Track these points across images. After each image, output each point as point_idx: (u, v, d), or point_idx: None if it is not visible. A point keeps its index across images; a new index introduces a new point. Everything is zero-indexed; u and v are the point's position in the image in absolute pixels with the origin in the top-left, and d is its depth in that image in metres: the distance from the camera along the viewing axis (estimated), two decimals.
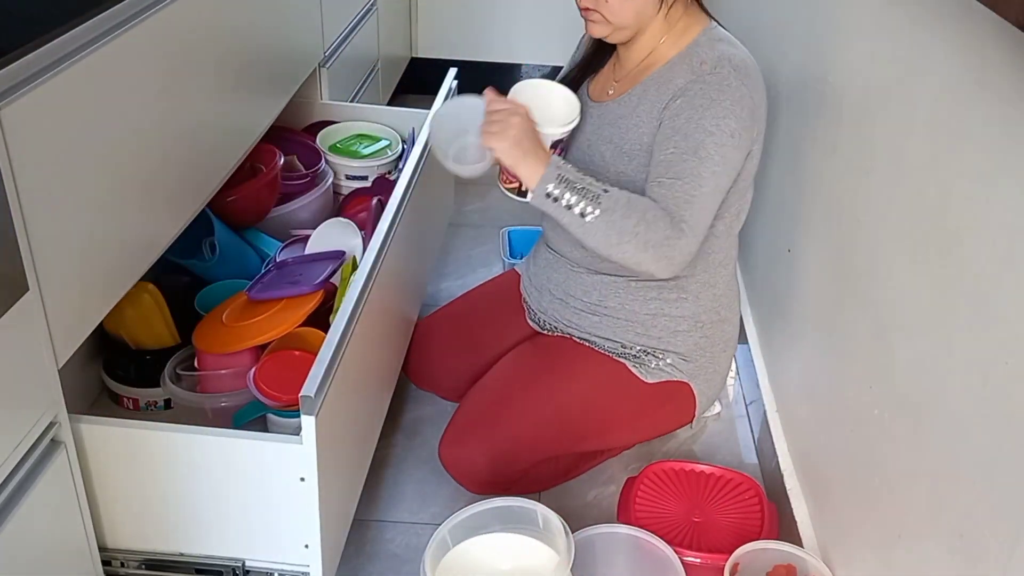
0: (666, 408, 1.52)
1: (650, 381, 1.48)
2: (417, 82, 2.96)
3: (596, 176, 1.34)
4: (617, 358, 1.49)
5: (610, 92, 1.46)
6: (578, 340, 1.52)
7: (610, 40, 1.42)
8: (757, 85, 1.35)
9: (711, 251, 1.45)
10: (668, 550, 1.32)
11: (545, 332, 1.59)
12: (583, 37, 1.56)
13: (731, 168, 1.34)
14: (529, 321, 1.62)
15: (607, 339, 1.50)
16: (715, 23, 1.42)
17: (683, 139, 1.31)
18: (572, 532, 1.24)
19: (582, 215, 1.29)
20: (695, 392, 1.51)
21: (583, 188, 1.29)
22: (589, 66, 1.52)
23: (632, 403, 1.49)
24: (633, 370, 1.48)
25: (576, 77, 1.52)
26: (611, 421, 1.51)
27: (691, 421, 1.56)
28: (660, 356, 1.48)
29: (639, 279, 1.45)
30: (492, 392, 1.51)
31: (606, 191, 1.30)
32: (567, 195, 1.29)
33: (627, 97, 1.42)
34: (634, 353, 1.49)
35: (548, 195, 1.30)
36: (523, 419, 1.47)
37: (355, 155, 1.92)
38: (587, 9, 1.37)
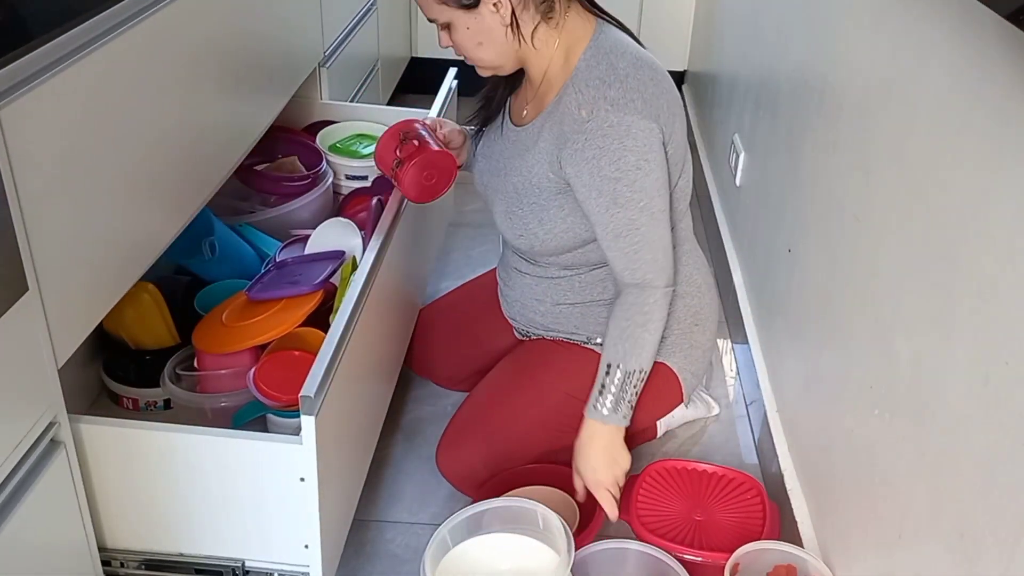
0: (650, 388, 1.52)
1: None
2: (417, 82, 2.96)
3: (510, 206, 1.43)
4: (585, 346, 1.51)
5: (524, 114, 1.46)
6: (551, 340, 1.56)
7: (502, 74, 1.42)
8: (645, 96, 1.31)
9: None
10: (678, 567, 1.31)
11: (525, 339, 1.63)
12: None
13: (656, 191, 1.33)
14: (513, 329, 1.65)
15: (573, 333, 1.53)
16: (603, 25, 1.38)
17: (598, 195, 1.32)
18: (580, 547, 1.25)
19: (640, 378, 1.40)
20: (675, 369, 1.52)
21: (617, 386, 1.39)
22: (492, 98, 1.53)
23: None
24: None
25: (486, 116, 1.54)
26: None
27: (682, 401, 1.57)
28: None
29: (583, 273, 1.49)
30: (484, 398, 1.55)
31: (614, 364, 1.38)
32: (625, 397, 1.39)
33: (531, 129, 1.42)
34: (600, 342, 1.51)
35: (627, 417, 1.41)
36: (515, 421, 1.50)
37: (355, 155, 1.92)
38: (468, 60, 1.39)
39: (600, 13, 1.42)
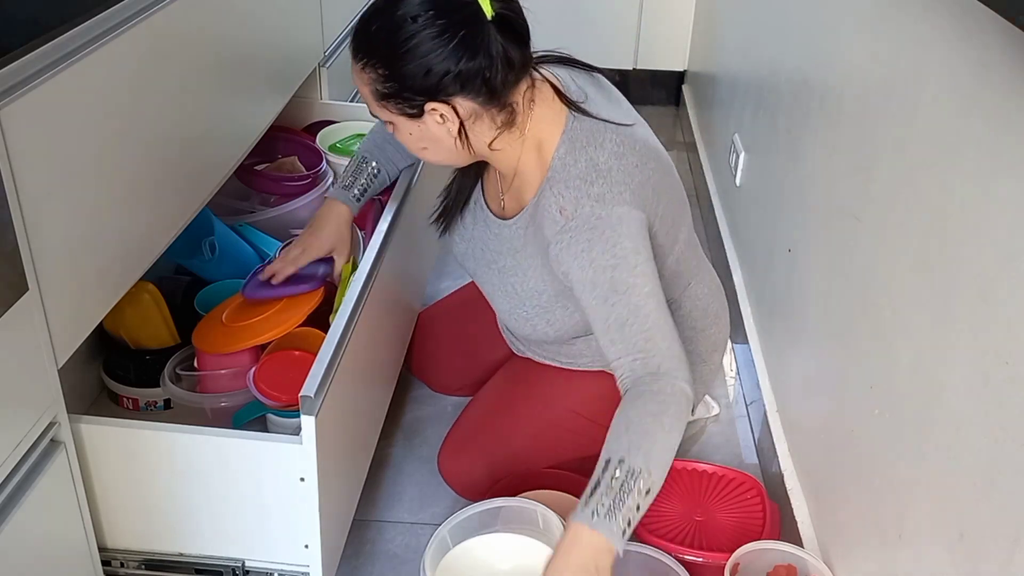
0: None
1: None
2: None
3: (514, 306, 1.34)
4: (604, 369, 1.47)
5: (502, 206, 1.37)
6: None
7: (457, 166, 1.34)
8: (632, 185, 1.21)
9: (666, 286, 1.35)
10: (679, 568, 1.31)
11: (523, 356, 1.59)
12: None
13: (653, 276, 1.20)
14: (509, 343, 1.62)
15: (578, 359, 1.48)
16: (572, 117, 1.25)
17: (594, 287, 1.19)
18: None
19: (646, 492, 1.09)
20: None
21: (624, 492, 1.08)
22: (462, 190, 1.42)
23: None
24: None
25: (452, 212, 1.43)
26: (602, 426, 1.51)
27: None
28: None
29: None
30: (488, 406, 1.53)
31: (621, 459, 1.09)
32: (629, 510, 1.08)
33: (515, 227, 1.33)
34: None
35: (624, 534, 1.08)
36: (519, 432, 1.49)
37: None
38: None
39: (563, 99, 1.27)
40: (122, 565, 1.20)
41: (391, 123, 1.23)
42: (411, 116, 1.19)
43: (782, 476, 1.48)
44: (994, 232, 0.86)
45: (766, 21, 1.97)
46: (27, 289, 0.91)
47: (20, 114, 0.88)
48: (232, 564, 1.20)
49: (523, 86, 1.22)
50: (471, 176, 1.42)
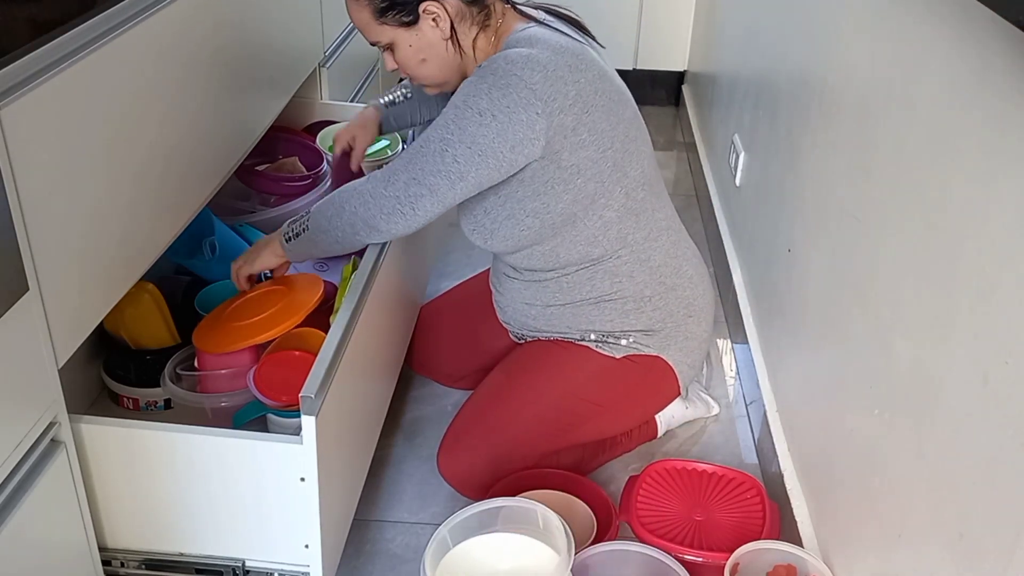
0: (647, 382, 1.52)
1: (619, 356, 1.49)
2: None
3: (466, 202, 1.42)
4: (580, 343, 1.51)
5: None
6: (545, 339, 1.55)
7: (447, 90, 1.41)
8: (547, 72, 1.26)
9: (625, 232, 1.43)
10: (679, 568, 1.31)
11: (521, 341, 1.63)
12: None
13: (473, 146, 1.26)
14: (508, 331, 1.65)
15: (566, 332, 1.53)
16: (529, 25, 1.36)
17: (441, 117, 1.29)
18: (580, 549, 1.25)
19: (306, 223, 1.38)
20: (671, 363, 1.52)
21: (294, 222, 1.40)
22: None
23: (611, 384, 1.51)
24: (600, 351, 1.50)
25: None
26: (596, 406, 1.52)
27: (679, 393, 1.57)
28: (619, 337, 1.50)
29: (569, 274, 1.47)
30: (482, 402, 1.54)
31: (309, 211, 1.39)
32: (294, 233, 1.40)
33: None
34: (595, 338, 1.50)
35: (289, 241, 1.41)
36: (513, 422, 1.49)
37: None
38: (407, 78, 1.41)
39: (533, 15, 1.39)
40: (122, 565, 1.20)
41: (390, 46, 1.34)
42: (408, 25, 1.30)
43: (782, 476, 1.48)
44: (994, 232, 0.86)
45: (766, 21, 1.97)
46: (27, 289, 0.91)
47: (20, 114, 0.88)
48: (232, 564, 1.20)
49: None
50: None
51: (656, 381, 1.53)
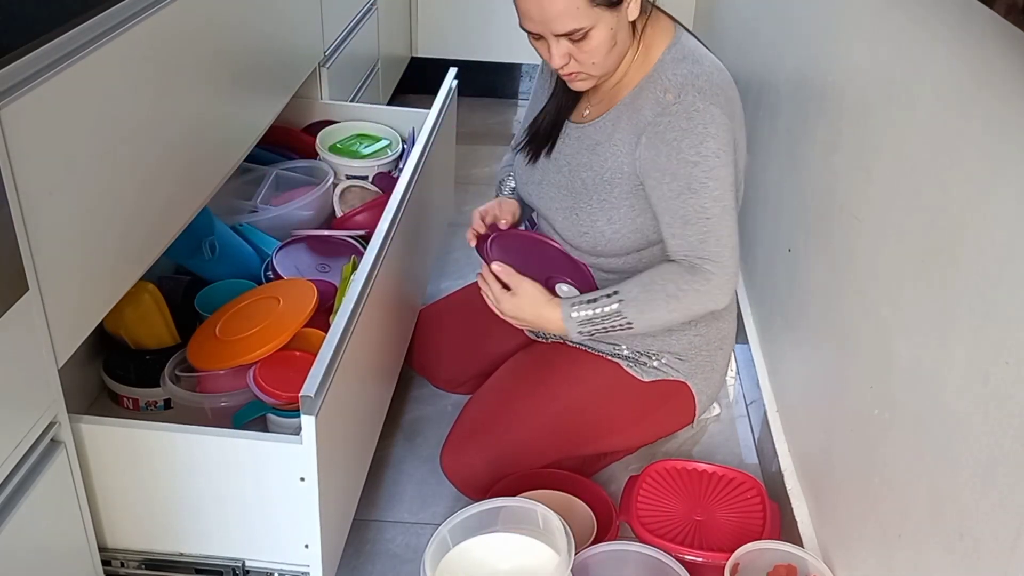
0: (665, 408, 1.52)
1: (646, 380, 1.48)
2: (417, 82, 2.96)
3: (576, 202, 1.40)
4: (611, 358, 1.49)
5: (586, 113, 1.43)
6: (572, 345, 1.53)
7: (601, 83, 1.38)
8: (727, 96, 1.32)
9: None
10: (679, 568, 1.31)
11: (540, 340, 1.60)
12: (543, 67, 1.52)
13: (729, 185, 1.31)
14: (525, 330, 1.62)
15: (600, 342, 1.50)
16: (681, 30, 1.38)
17: (672, 179, 1.30)
18: (580, 549, 1.25)
19: (623, 328, 1.36)
20: (693, 391, 1.51)
21: (602, 313, 1.35)
22: (563, 106, 1.46)
23: (630, 404, 1.49)
24: (629, 370, 1.48)
25: (554, 121, 1.47)
26: (610, 423, 1.51)
27: (692, 421, 1.56)
28: (654, 356, 1.48)
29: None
30: (491, 401, 1.52)
31: (619, 297, 1.35)
32: (594, 328, 1.37)
33: (602, 122, 1.39)
34: (628, 355, 1.49)
35: (581, 334, 1.38)
36: (522, 426, 1.47)
37: (355, 155, 1.92)
38: (571, 73, 1.32)
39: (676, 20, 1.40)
40: (122, 565, 1.20)
41: (586, 33, 1.25)
42: (615, 5, 1.26)
43: (782, 476, 1.48)
44: (994, 232, 0.86)
45: (766, 21, 1.97)
46: (27, 289, 0.91)
47: (20, 114, 0.88)
48: (232, 564, 1.20)
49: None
50: (562, 104, 1.46)
51: (675, 408, 1.52)
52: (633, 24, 1.31)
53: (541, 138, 1.47)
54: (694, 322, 1.47)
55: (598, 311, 1.35)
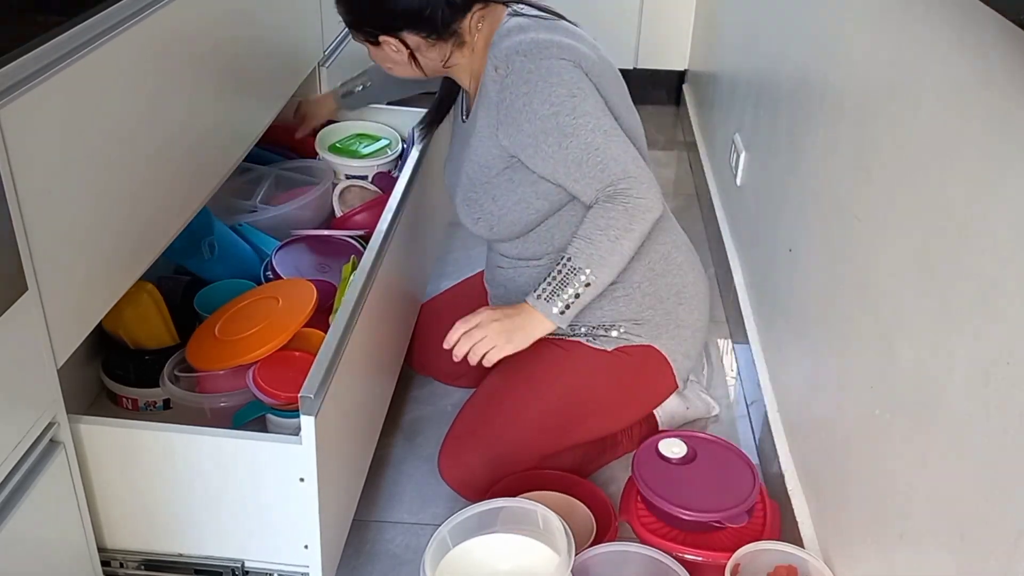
0: (643, 377, 1.52)
1: (611, 349, 1.49)
2: None
3: (467, 193, 1.48)
4: (571, 338, 1.51)
5: (466, 114, 1.53)
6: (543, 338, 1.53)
7: (429, 78, 1.49)
8: (559, 45, 1.35)
9: None
10: (679, 568, 1.31)
11: None
12: None
13: (600, 111, 1.35)
14: None
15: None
16: (511, 10, 1.42)
17: (544, 136, 1.34)
18: (581, 550, 1.25)
19: (590, 285, 1.35)
20: (664, 352, 1.51)
21: (562, 280, 1.35)
22: (445, 100, 1.62)
23: (605, 377, 1.50)
24: (590, 344, 1.50)
25: (435, 116, 1.66)
26: (594, 404, 1.51)
27: (676, 386, 1.56)
28: (609, 328, 1.50)
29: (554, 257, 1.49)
30: (480, 405, 1.54)
31: (566, 258, 1.35)
32: (568, 299, 1.35)
33: (471, 119, 1.48)
34: (584, 332, 1.51)
35: (563, 313, 1.36)
36: (512, 424, 1.49)
37: (355, 155, 1.92)
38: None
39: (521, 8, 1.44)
40: (121, 565, 1.20)
41: (369, 49, 1.45)
42: (373, 44, 1.42)
43: (782, 476, 1.48)
44: (995, 231, 0.86)
45: (767, 20, 1.97)
46: (26, 289, 0.91)
47: (20, 114, 0.88)
48: (232, 564, 1.20)
49: (471, 15, 1.39)
50: (447, 92, 1.60)
51: (652, 373, 1.52)
52: (415, 62, 1.41)
53: (431, 120, 1.68)
54: (636, 283, 1.49)
55: (558, 283, 1.35)
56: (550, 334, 1.50)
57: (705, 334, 1.61)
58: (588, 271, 1.34)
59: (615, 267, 1.36)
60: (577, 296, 1.35)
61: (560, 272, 1.35)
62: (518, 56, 1.34)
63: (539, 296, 1.36)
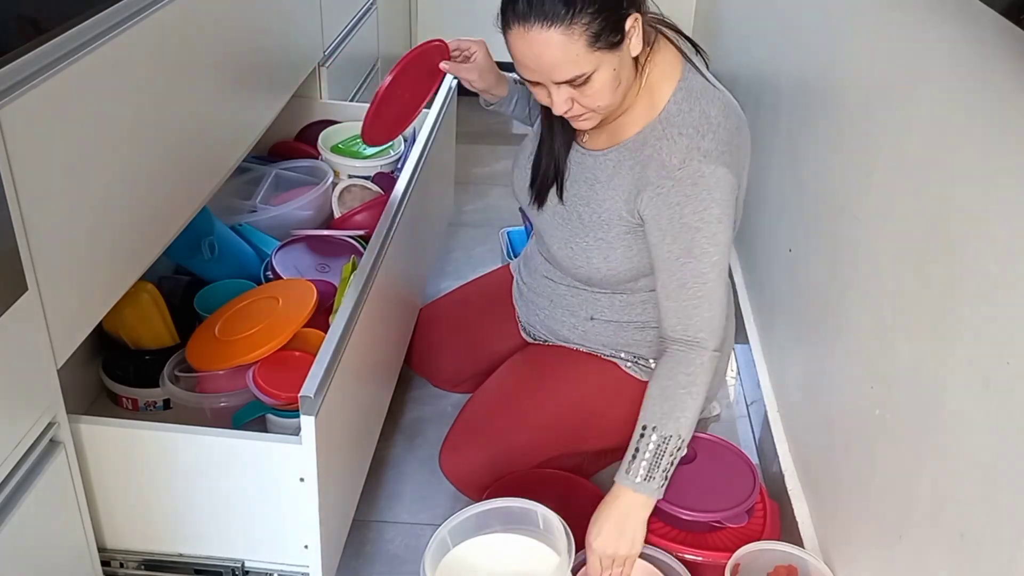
0: None
1: (644, 379, 1.48)
2: None
3: (573, 235, 1.38)
4: (609, 359, 1.49)
5: (584, 139, 1.39)
6: (570, 347, 1.53)
7: (605, 120, 1.32)
8: (734, 145, 1.28)
9: None
10: (679, 567, 1.31)
11: (537, 342, 1.60)
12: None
13: (726, 248, 1.30)
14: (520, 331, 1.63)
15: (599, 347, 1.50)
16: (688, 68, 1.31)
17: (673, 241, 1.28)
18: (581, 551, 1.25)
19: (679, 449, 1.28)
20: None
21: (651, 451, 1.27)
22: (563, 142, 1.40)
23: (628, 402, 1.49)
24: (627, 370, 1.48)
25: (558, 165, 1.41)
26: (609, 421, 1.51)
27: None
28: (653, 360, 1.48)
29: (626, 294, 1.45)
30: (489, 400, 1.52)
31: (650, 429, 1.28)
32: (666, 469, 1.28)
33: (604, 159, 1.35)
34: (624, 358, 1.49)
35: (662, 487, 1.28)
36: (521, 425, 1.48)
37: (356, 155, 1.92)
38: (575, 116, 1.27)
39: (676, 38, 1.34)
40: (121, 565, 1.20)
41: (588, 78, 1.20)
42: (616, 45, 1.20)
43: (782, 476, 1.48)
44: (994, 232, 0.86)
45: (767, 21, 1.97)
46: (26, 289, 0.91)
47: (20, 114, 0.88)
48: (232, 564, 1.20)
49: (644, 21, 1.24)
50: (562, 141, 1.40)
51: None
52: (636, 58, 1.26)
53: (548, 181, 1.42)
54: None
55: (648, 456, 1.27)
56: (584, 350, 1.51)
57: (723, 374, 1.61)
58: (677, 436, 1.27)
59: (697, 417, 1.31)
60: (672, 463, 1.28)
61: (647, 446, 1.27)
62: (699, 154, 1.24)
63: (633, 475, 1.27)
